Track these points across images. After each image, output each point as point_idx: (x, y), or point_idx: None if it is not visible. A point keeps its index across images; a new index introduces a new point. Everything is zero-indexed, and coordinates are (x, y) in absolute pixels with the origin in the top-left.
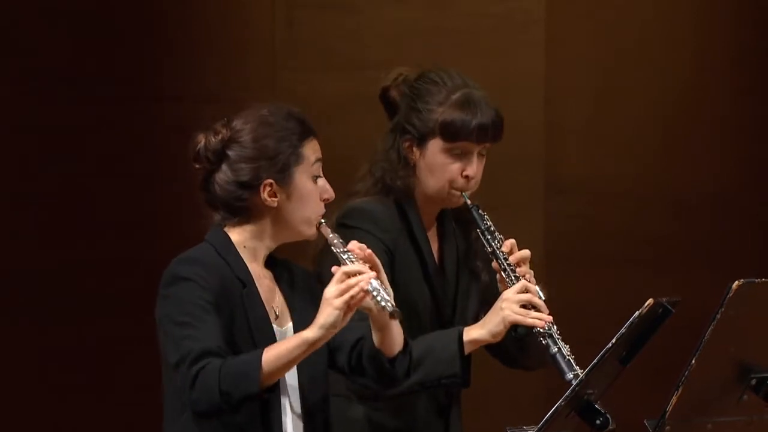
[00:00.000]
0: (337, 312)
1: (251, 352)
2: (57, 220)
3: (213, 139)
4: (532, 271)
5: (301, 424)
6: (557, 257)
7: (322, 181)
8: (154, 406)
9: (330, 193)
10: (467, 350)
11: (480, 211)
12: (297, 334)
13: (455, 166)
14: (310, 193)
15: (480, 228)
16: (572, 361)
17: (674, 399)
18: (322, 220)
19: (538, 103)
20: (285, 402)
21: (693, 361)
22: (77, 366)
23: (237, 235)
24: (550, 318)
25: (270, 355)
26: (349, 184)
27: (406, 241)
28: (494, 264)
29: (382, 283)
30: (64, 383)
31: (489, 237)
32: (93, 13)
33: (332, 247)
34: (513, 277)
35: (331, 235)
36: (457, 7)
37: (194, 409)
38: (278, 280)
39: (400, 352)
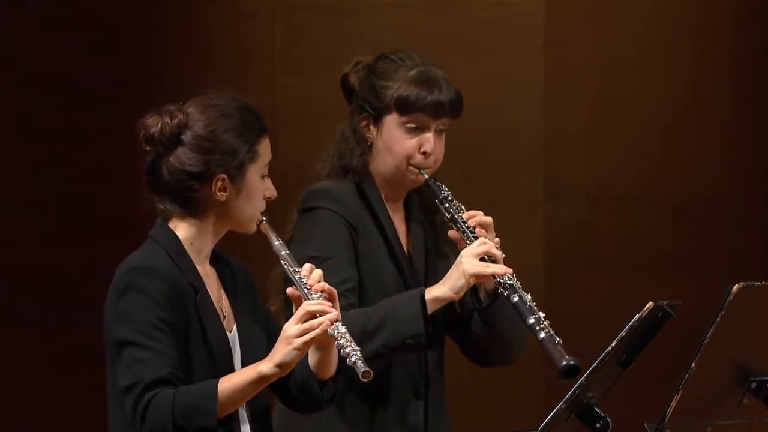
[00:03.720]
0: (295, 352)
1: (205, 383)
2: (57, 224)
3: (169, 122)
4: (498, 239)
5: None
6: (557, 261)
7: (267, 180)
8: None
9: (273, 192)
10: (430, 309)
11: (437, 183)
12: (252, 367)
13: (412, 142)
14: (258, 190)
15: (438, 198)
16: (534, 307)
17: (674, 402)
18: (263, 218)
19: (538, 107)
20: (242, 411)
21: (693, 365)
22: (77, 368)
23: (183, 231)
24: (510, 270)
25: (224, 387)
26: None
27: (368, 218)
28: (452, 233)
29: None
30: (65, 384)
31: (447, 205)
32: (93, 20)
33: (281, 261)
34: (472, 238)
35: (277, 243)
36: (457, 12)
37: None
38: (222, 278)
39: (331, 377)
